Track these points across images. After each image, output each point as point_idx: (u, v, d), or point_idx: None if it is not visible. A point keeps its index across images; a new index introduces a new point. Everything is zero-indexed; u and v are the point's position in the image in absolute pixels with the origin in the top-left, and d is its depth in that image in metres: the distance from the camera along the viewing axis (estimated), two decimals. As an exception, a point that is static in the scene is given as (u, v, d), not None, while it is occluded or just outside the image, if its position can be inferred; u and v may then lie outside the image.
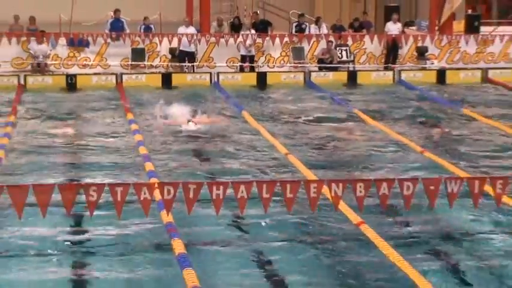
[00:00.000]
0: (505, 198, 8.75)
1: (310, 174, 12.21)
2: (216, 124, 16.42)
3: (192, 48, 23.96)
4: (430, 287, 7.81)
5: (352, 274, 8.74)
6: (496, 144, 14.69)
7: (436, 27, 26.99)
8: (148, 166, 12.80)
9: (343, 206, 9.22)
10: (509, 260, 9.09)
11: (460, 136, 15.66)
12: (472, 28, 27.16)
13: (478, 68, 25.06)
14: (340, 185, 8.42)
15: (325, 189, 8.38)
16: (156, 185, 8.53)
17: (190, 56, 24.02)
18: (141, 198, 8.12)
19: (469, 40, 25.87)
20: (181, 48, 23.96)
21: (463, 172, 12.34)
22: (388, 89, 22.99)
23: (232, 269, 8.84)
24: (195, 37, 23.97)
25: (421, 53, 25.44)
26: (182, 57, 24.02)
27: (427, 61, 25.44)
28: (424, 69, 25.03)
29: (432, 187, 8.47)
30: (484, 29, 27.69)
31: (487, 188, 8.60)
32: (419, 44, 25.49)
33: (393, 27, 25.41)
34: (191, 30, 24.29)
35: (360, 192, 8.39)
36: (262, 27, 25.57)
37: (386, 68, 24.82)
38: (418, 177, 8.81)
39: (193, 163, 13.70)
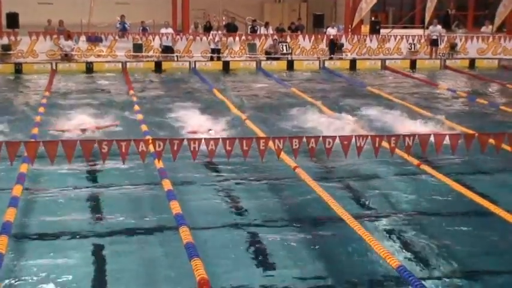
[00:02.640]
0: (396, 150, 8.76)
1: (260, 133, 12.17)
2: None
3: (170, 43, 23.76)
4: (341, 209, 7.86)
5: (289, 200, 8.82)
6: (390, 110, 14.73)
7: (350, 29, 26.97)
8: (144, 127, 12.65)
9: (283, 155, 9.20)
10: (396, 190, 9.26)
11: (363, 104, 15.70)
12: (374, 30, 27.19)
13: (379, 59, 25.13)
14: (281, 140, 8.40)
15: (270, 143, 8.39)
16: (150, 141, 8.44)
17: (170, 49, 23.79)
18: (139, 150, 8.05)
19: (372, 39, 25.95)
20: (164, 44, 23.76)
21: (367, 131, 12.33)
22: (315, 73, 23.00)
23: (203, 197, 8.90)
24: (173, 35, 23.92)
25: (339, 47, 25.43)
26: (165, 49, 23.81)
27: (343, 53, 25.44)
28: (341, 59, 25.01)
29: (346, 142, 8.49)
30: (383, 31, 27.75)
31: (384, 143, 8.66)
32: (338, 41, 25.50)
33: (332, 31, 25.34)
34: (170, 30, 24.08)
35: (295, 145, 8.38)
36: (232, 29, 25.61)
37: (330, 58, 24.71)
38: (336, 135, 8.79)
39: (178, 124, 13.48)
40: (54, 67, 22.03)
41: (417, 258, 6.99)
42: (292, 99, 16.85)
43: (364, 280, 6.47)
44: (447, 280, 6.49)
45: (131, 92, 17.55)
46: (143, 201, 8.79)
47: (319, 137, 8.44)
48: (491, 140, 8.88)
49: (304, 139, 8.32)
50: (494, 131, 11.01)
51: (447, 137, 8.59)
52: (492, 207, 8.19)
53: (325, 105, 15.64)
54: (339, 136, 8.60)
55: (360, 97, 17.23)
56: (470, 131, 11.51)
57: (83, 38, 23.57)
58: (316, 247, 7.28)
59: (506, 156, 10.30)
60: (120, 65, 22.59)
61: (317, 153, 8.57)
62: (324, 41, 25.34)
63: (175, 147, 8.12)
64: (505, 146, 9.14)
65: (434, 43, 25.78)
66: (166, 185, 8.78)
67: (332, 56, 24.88)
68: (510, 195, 9.18)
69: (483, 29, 28.04)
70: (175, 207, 7.89)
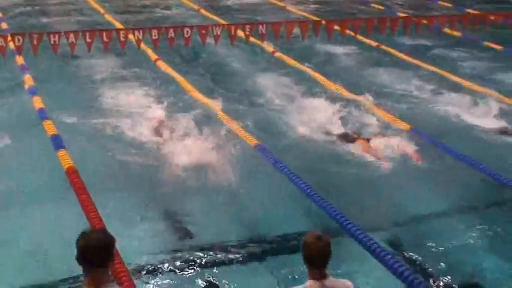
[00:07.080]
0: (251, 38, 10.23)
1: (119, 25, 12.90)
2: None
3: None
4: (212, 103, 8.86)
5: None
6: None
7: None
8: (4, 25, 13.08)
9: (143, 46, 10.24)
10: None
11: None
12: None
13: None
14: (141, 31, 9.65)
15: (130, 35, 9.60)
16: (9, 37, 9.37)
17: None
18: (-1, 46, 9.03)
19: None
20: None
21: (227, 21, 13.17)
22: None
23: (64, 93, 9.42)
24: None
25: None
26: None
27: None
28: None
29: (204, 31, 9.88)
30: None
31: (240, 32, 10.07)
32: None
33: None
34: None
35: (155, 36, 9.66)
36: None
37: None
38: (193, 25, 10.02)
39: (38, 21, 13.99)
40: None
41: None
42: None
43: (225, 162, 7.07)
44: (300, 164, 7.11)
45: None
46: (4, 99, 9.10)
47: (183, 26, 9.71)
48: (336, 27, 10.60)
49: (164, 29, 9.56)
50: (339, 18, 12.59)
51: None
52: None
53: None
54: (196, 26, 9.87)
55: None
56: (317, 18, 13.03)
57: None
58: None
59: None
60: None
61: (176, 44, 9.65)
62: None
63: (34, 42, 9.16)
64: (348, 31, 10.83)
65: None
66: (29, 81, 9.51)
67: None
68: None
69: None
70: (38, 102, 8.60)
